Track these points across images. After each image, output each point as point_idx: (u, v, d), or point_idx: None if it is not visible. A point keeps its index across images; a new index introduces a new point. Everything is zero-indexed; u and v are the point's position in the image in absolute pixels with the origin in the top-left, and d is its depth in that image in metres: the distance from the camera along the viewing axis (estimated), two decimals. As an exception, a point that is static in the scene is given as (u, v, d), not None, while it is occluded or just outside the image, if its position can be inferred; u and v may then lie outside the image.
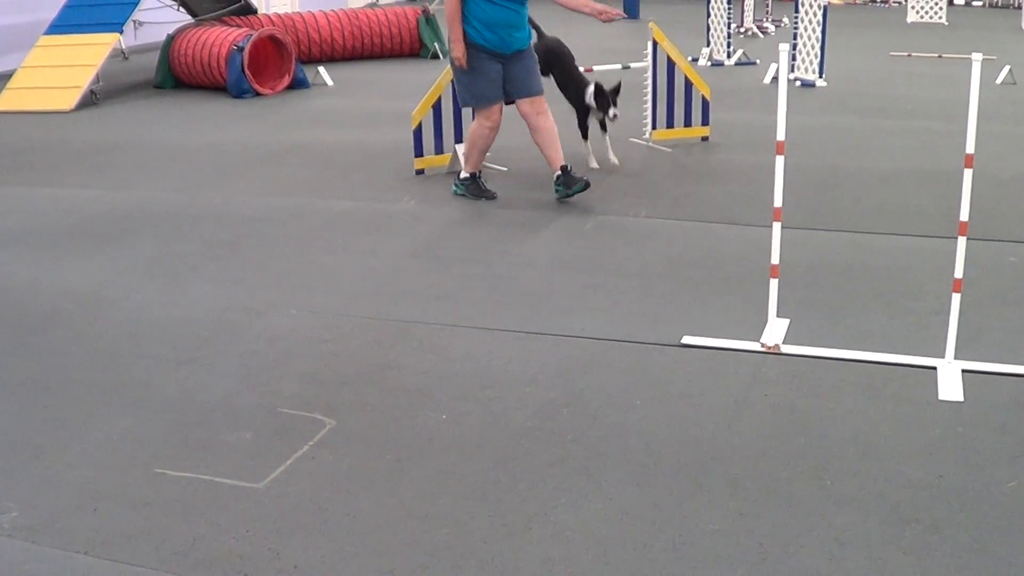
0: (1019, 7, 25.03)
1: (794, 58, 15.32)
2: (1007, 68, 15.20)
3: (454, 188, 9.12)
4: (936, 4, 24.39)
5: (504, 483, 4.47)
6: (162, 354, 5.87)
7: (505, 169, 9.87)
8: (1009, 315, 6.28)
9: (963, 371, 5.44)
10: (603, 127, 9.98)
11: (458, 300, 6.65)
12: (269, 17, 17.85)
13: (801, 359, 5.66)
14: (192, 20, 16.86)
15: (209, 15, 16.83)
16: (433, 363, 5.70)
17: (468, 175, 9.05)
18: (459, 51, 8.51)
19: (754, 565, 3.88)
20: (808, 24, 14.93)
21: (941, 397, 5.20)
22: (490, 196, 9.01)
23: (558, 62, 10.05)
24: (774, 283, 5.90)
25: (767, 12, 23.26)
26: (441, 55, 17.95)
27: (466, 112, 10.02)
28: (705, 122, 11.11)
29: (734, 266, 7.17)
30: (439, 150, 9.91)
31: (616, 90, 9.64)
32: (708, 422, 4.98)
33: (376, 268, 7.27)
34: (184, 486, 4.49)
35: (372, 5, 23.97)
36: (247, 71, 14.67)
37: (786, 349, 5.76)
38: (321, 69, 16.29)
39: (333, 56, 18.31)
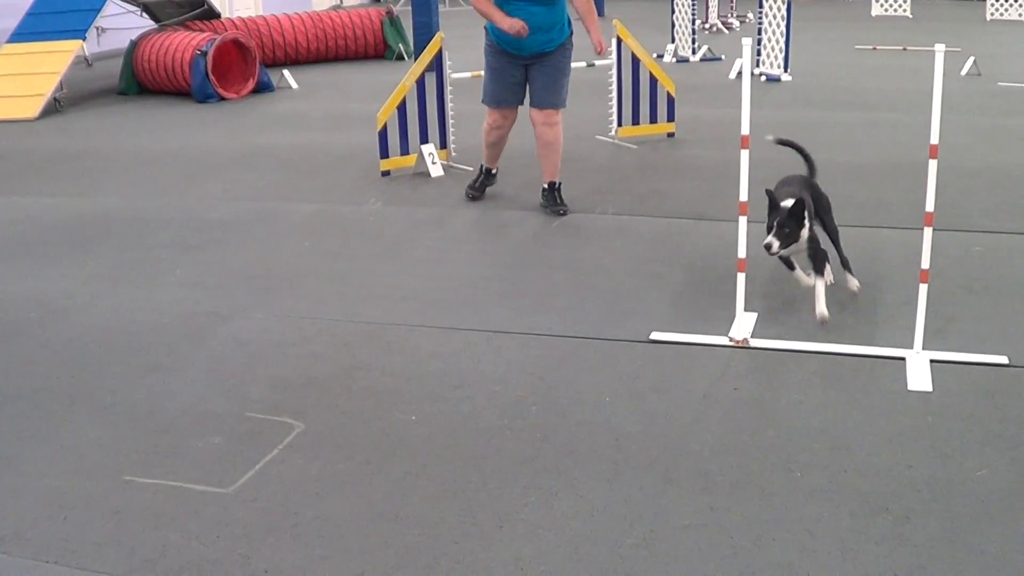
0: (982, -1, 25.18)
1: (759, 53, 15.37)
2: (971, 59, 15.29)
3: None
4: (900, -3, 24.51)
5: (474, 482, 4.46)
6: (129, 361, 5.83)
7: (471, 169, 9.85)
8: (976, 305, 6.31)
9: (931, 361, 5.46)
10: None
11: (425, 300, 6.64)
12: (232, 21, 17.80)
13: (770, 352, 5.67)
14: (155, 25, 16.79)
15: (172, 20, 16.77)
16: (401, 364, 5.69)
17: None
18: (506, 23, 8.11)
19: (726, 559, 3.88)
20: (772, 19, 14.97)
21: (910, 387, 5.21)
22: (470, 195, 9.01)
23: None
24: (741, 277, 5.91)
25: (731, 8, 23.32)
26: (405, 56, 17.92)
27: (432, 112, 10.02)
28: (671, 118, 11.13)
29: (701, 261, 7.18)
30: (405, 151, 9.89)
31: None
32: (677, 417, 4.98)
33: (343, 270, 7.25)
34: (153, 493, 4.47)
35: (336, 7, 23.93)
36: (211, 76, 14.63)
37: (755, 343, 5.77)
38: (286, 72, 16.26)
39: (297, 59, 18.29)
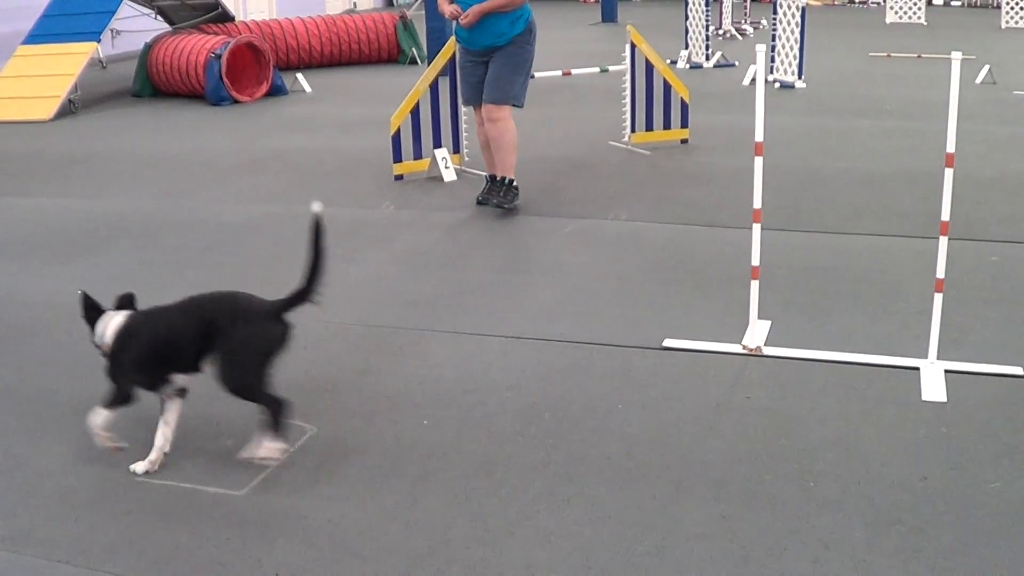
0: (998, 6, 25.11)
1: (773, 60, 15.35)
2: (986, 67, 15.26)
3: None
4: (915, 4, 24.47)
5: (486, 488, 4.45)
6: (141, 362, 5.82)
7: (484, 173, 9.83)
8: (991, 315, 6.28)
9: (946, 371, 5.44)
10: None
11: (438, 305, 6.63)
12: (247, 24, 17.81)
13: (783, 361, 5.65)
14: (169, 28, 16.82)
15: (187, 23, 16.80)
16: (413, 368, 5.68)
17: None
18: (442, 6, 8.53)
19: (737, 568, 3.86)
20: (787, 26, 14.96)
21: (924, 398, 5.19)
22: (480, 200, 8.93)
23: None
24: (755, 285, 5.89)
25: (746, 14, 23.29)
26: (419, 60, 17.93)
27: (445, 117, 10.02)
28: (684, 124, 11.11)
29: (715, 268, 7.16)
30: (418, 155, 9.89)
31: None
32: (690, 425, 4.97)
33: (355, 274, 7.24)
34: (165, 494, 4.46)
35: (350, 11, 23.95)
36: (225, 78, 14.64)
37: (768, 351, 5.75)
38: (299, 76, 16.26)
39: (311, 63, 18.30)
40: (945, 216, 5.42)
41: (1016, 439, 4.79)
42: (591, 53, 18.01)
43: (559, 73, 11.30)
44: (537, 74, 11.18)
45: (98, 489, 4.51)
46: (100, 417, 4.61)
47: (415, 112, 9.74)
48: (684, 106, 11.04)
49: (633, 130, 11.06)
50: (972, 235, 7.68)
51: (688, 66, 17.22)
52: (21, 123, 13.63)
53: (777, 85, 14.99)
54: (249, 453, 4.56)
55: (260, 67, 15.38)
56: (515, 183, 8.71)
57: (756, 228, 5.82)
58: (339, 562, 3.96)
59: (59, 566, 3.98)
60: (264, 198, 9.39)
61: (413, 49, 18.43)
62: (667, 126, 11.09)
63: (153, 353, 4.64)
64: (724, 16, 21.41)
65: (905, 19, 24.49)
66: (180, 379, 4.70)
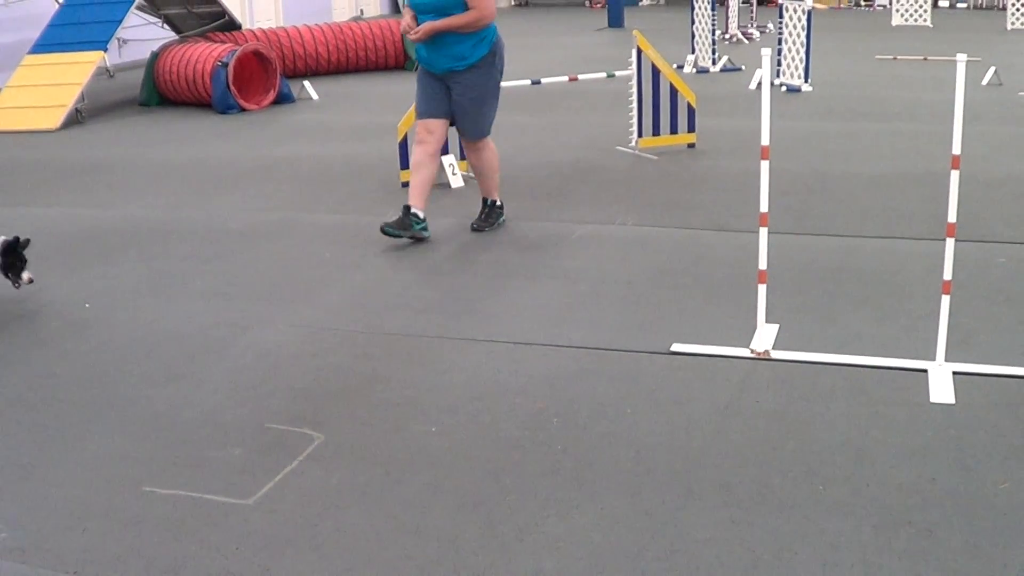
0: (1003, 8, 25.08)
1: (779, 63, 15.35)
2: (992, 69, 15.25)
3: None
4: (921, 7, 24.46)
5: (495, 494, 4.45)
6: (150, 371, 5.84)
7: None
8: (999, 316, 6.27)
9: (954, 373, 5.43)
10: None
11: (445, 312, 6.63)
12: (253, 32, 17.84)
13: (791, 364, 5.65)
14: (176, 37, 16.85)
15: (193, 31, 16.83)
16: (421, 375, 5.68)
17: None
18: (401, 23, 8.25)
19: (747, 572, 3.86)
20: (793, 29, 14.95)
21: (932, 400, 5.19)
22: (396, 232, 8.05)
23: None
24: (762, 288, 5.89)
25: (752, 18, 23.29)
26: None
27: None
28: (691, 129, 11.11)
29: (722, 272, 7.16)
30: (425, 162, 9.88)
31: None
32: (699, 429, 4.97)
33: (363, 281, 7.24)
34: (173, 504, 4.46)
35: (357, 19, 23.97)
36: (232, 87, 14.66)
37: (776, 354, 5.75)
38: (306, 83, 16.28)
39: (318, 70, 18.31)
40: (952, 218, 5.42)
41: (1025, 441, 4.78)
42: (598, 58, 18.03)
43: (566, 79, 11.32)
44: (544, 80, 11.24)
45: (106, 499, 4.52)
46: None
47: (422, 119, 9.74)
48: (691, 110, 11.03)
49: (640, 135, 11.06)
50: (979, 237, 7.68)
51: (695, 71, 17.22)
52: (28, 133, 13.66)
53: (783, 89, 14.99)
54: None
55: (267, 75, 15.40)
56: (499, 203, 8.55)
57: (763, 232, 5.82)
58: (349, 571, 3.96)
59: (69, 576, 3.99)
60: (272, 206, 9.40)
61: (420, 56, 18.44)
62: (674, 131, 11.09)
63: None
64: (730, 20, 21.41)
65: (911, 22, 24.48)
66: None
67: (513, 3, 32.62)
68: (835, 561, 3.90)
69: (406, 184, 9.59)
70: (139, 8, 15.78)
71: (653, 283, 7.02)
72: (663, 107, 10.95)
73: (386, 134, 11.08)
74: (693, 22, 17.69)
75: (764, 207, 5.75)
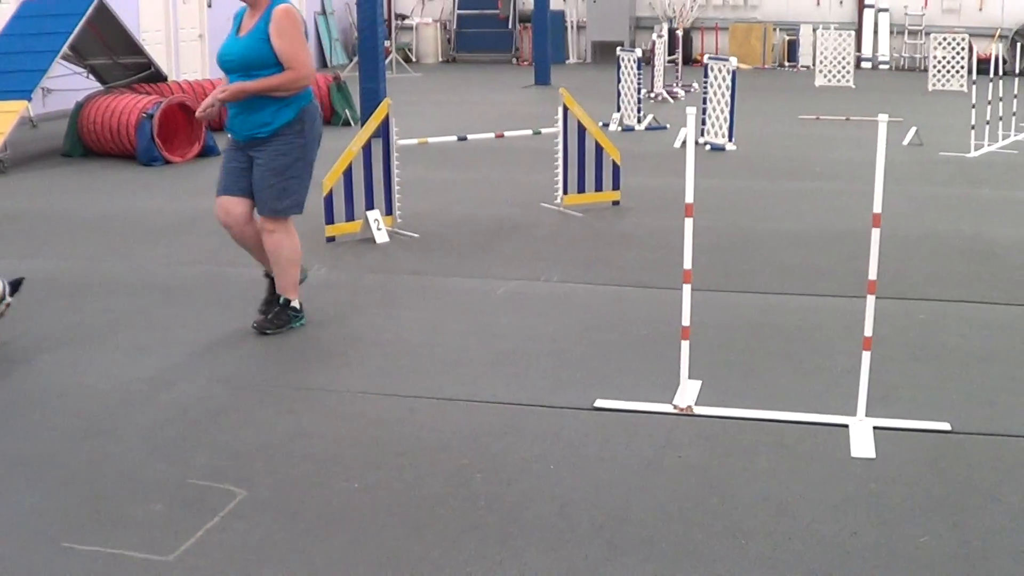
0: (925, 70, 25.48)
1: (704, 122, 15.49)
2: (913, 129, 15.49)
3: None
4: (844, 67, 24.80)
5: (417, 551, 4.43)
6: (69, 425, 5.76)
7: (417, 235, 9.85)
8: (919, 372, 6.35)
9: (875, 428, 5.49)
10: None
11: (368, 367, 6.61)
12: (179, 84, 17.75)
13: (714, 420, 5.68)
14: (101, 87, 16.73)
15: (119, 82, 16.73)
16: (344, 431, 5.65)
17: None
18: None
19: (670, 628, 3.86)
20: (717, 89, 15.11)
21: (853, 454, 5.24)
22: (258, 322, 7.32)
23: None
24: (685, 345, 5.92)
25: (677, 77, 23.51)
26: (352, 122, 17.95)
27: (378, 178, 10.01)
28: (616, 186, 11.18)
29: (646, 329, 7.20)
30: (350, 217, 9.87)
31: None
32: (622, 485, 4.97)
33: (286, 336, 7.20)
34: (93, 560, 4.40)
35: (283, 73, 23.95)
36: (157, 139, 14.56)
37: (699, 410, 5.78)
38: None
39: (244, 124, 18.22)
40: (873, 275, 5.49)
41: (944, 494, 4.84)
42: (524, 115, 18.10)
43: (492, 135, 11.37)
44: (470, 136, 11.27)
45: (24, 556, 4.44)
46: None
47: (348, 173, 9.74)
48: (616, 168, 11.11)
49: (565, 192, 11.10)
50: (899, 294, 7.78)
51: (620, 129, 17.32)
52: (-51, 184, 13.49)
53: (708, 147, 15.13)
54: None
55: (192, 127, 15.31)
56: (293, 303, 7.32)
57: (687, 288, 5.86)
58: (268, 627, 3.92)
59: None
60: (196, 259, 9.33)
61: (346, 111, 18.43)
62: (599, 188, 11.15)
63: None
64: (656, 79, 21.59)
65: (834, 82, 24.81)
66: None
67: (441, 59, 32.74)
68: (757, 617, 3.92)
69: (331, 239, 9.61)
70: (64, 58, 15.67)
71: (577, 339, 7.04)
72: (588, 164, 11.02)
73: (312, 188, 11.03)
74: (619, 80, 17.82)
75: (688, 264, 5.80)
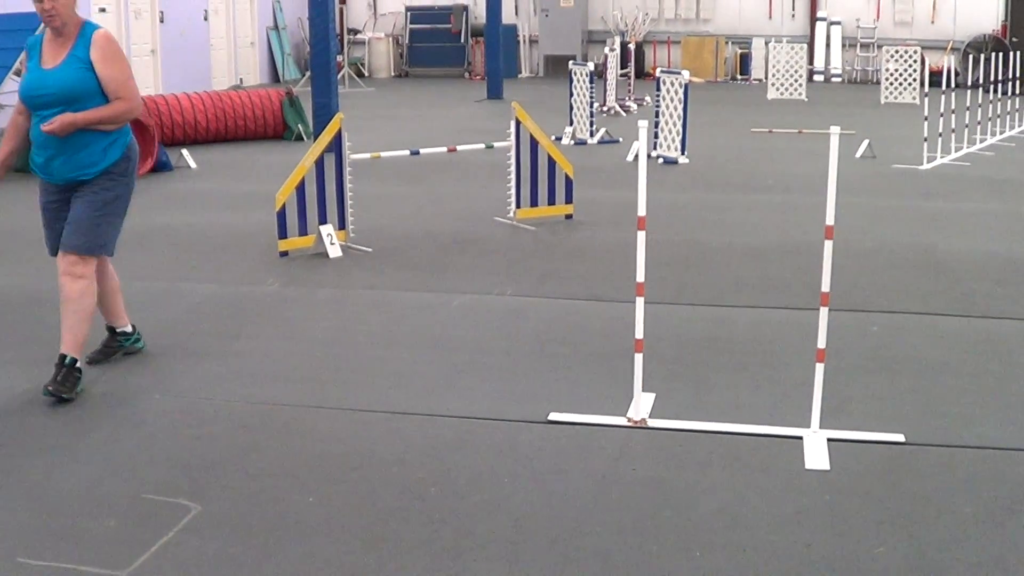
0: (877, 83, 25.68)
1: (656, 136, 15.54)
2: (866, 142, 15.61)
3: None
4: (796, 81, 24.95)
5: (372, 565, 4.41)
6: (22, 441, 5.71)
7: (370, 250, 9.83)
8: (872, 383, 6.39)
9: (828, 440, 5.51)
10: None
11: (323, 381, 6.59)
12: (131, 100, 17.65)
13: (668, 432, 5.69)
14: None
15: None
16: (299, 445, 5.63)
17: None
18: None
19: (625, 640, 3.86)
20: (670, 102, 15.17)
21: (807, 466, 5.26)
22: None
23: None
24: (639, 358, 5.93)
25: (629, 91, 23.59)
26: (304, 136, 17.91)
27: (330, 193, 9.97)
28: (569, 200, 11.20)
29: (599, 342, 7.20)
30: (303, 232, 9.84)
31: None
32: (576, 497, 4.98)
33: (240, 351, 7.17)
34: (44, 577, 4.37)
35: (236, 87, 23.89)
36: (108, 154, 14.47)
37: (653, 423, 5.79)
38: (184, 151, 16.12)
39: (197, 138, 18.13)
40: (825, 287, 5.52)
41: (898, 505, 4.86)
42: (477, 129, 18.11)
43: (445, 149, 11.37)
44: (423, 150, 11.27)
45: (-27, 573, 4.41)
46: None
47: (300, 188, 9.71)
48: (568, 182, 11.13)
49: (518, 206, 11.11)
50: (852, 306, 7.82)
51: (573, 142, 17.36)
52: None
53: (660, 161, 15.18)
54: None
55: (145, 142, 15.21)
56: (79, 364, 6.44)
57: (640, 302, 5.87)
58: (222, 643, 3.90)
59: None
60: (148, 275, 9.27)
61: (299, 125, 18.39)
62: (552, 202, 11.17)
63: None
64: (608, 93, 21.66)
65: (786, 95, 24.95)
66: None
67: (393, 74, 32.73)
68: (712, 628, 3.92)
69: (284, 253, 9.58)
70: (16, 73, 15.56)
71: (531, 353, 7.04)
72: (541, 178, 11.04)
73: (265, 203, 11.01)
74: (571, 94, 17.86)
75: (641, 277, 5.81)
